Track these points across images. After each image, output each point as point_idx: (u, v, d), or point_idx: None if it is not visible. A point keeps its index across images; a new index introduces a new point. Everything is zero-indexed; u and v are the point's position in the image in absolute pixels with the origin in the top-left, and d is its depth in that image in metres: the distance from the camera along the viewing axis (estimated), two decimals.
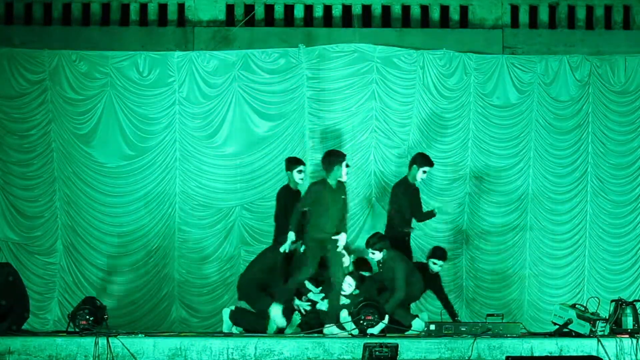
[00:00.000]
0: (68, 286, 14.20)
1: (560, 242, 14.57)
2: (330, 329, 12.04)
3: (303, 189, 13.00)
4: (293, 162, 13.30)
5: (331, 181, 12.38)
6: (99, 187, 14.31)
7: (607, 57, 14.66)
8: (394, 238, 13.09)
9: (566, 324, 11.20)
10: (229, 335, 11.92)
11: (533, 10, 15.03)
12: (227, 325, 12.63)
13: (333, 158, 12.43)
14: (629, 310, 11.22)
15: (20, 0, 14.76)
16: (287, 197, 13.17)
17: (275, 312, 12.12)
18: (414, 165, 13.31)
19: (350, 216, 14.24)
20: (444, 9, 14.95)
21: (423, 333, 11.72)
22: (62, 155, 14.32)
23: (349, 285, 12.64)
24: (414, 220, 13.40)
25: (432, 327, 11.30)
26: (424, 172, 13.31)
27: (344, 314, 12.31)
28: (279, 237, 12.79)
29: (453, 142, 14.43)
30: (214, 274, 14.32)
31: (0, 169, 14.32)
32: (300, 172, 13.23)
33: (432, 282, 13.35)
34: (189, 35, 14.71)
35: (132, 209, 14.32)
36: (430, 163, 13.32)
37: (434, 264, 13.27)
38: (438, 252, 13.32)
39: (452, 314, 13.29)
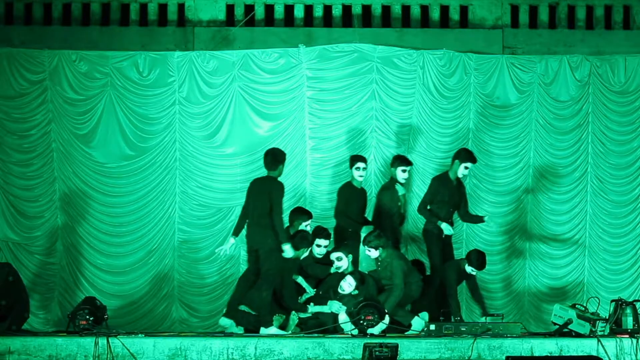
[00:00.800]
0: (68, 286, 14.20)
1: (560, 242, 14.56)
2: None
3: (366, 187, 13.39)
4: (352, 159, 13.41)
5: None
6: (99, 187, 14.31)
7: (607, 57, 14.66)
8: (426, 232, 13.16)
9: (566, 324, 11.20)
10: (229, 335, 11.91)
11: (533, 10, 15.03)
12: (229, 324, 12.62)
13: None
14: (629, 310, 11.22)
15: (20, 0, 14.76)
16: (348, 194, 13.22)
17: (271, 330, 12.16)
18: (456, 160, 13.20)
19: None
20: (444, 9, 14.94)
21: (423, 333, 11.72)
22: (62, 155, 14.32)
23: (349, 285, 12.63)
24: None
25: (432, 327, 11.30)
26: (466, 167, 13.18)
27: (342, 316, 12.30)
28: (344, 234, 12.86)
29: (453, 142, 14.43)
30: (214, 274, 14.32)
31: (0, 169, 14.32)
32: (357, 169, 13.25)
33: (469, 281, 13.18)
34: (189, 35, 14.71)
35: (132, 209, 14.32)
36: (473, 159, 13.20)
37: (472, 270, 12.96)
38: (475, 262, 12.91)
39: (484, 310, 13.09)
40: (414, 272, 12.90)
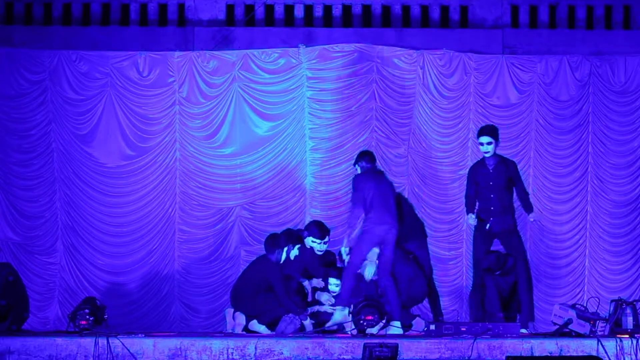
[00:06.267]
0: (68, 286, 14.20)
1: (560, 242, 14.56)
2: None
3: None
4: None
5: None
6: (99, 187, 14.32)
7: (607, 57, 14.66)
8: None
9: (566, 324, 11.20)
10: (229, 335, 11.91)
11: (533, 10, 15.03)
12: (229, 325, 12.61)
13: None
14: (629, 310, 11.22)
15: (21, 0, 14.76)
16: (476, 176, 12.37)
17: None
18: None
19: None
20: (444, 9, 14.94)
21: (423, 333, 11.72)
22: (62, 155, 14.32)
23: (336, 285, 12.60)
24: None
25: (432, 327, 11.30)
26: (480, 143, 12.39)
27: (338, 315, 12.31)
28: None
29: (453, 142, 14.43)
30: (214, 274, 14.32)
31: (0, 169, 14.32)
32: (481, 144, 12.30)
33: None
34: (189, 35, 14.71)
35: (132, 209, 14.32)
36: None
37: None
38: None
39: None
40: (418, 276, 12.87)
